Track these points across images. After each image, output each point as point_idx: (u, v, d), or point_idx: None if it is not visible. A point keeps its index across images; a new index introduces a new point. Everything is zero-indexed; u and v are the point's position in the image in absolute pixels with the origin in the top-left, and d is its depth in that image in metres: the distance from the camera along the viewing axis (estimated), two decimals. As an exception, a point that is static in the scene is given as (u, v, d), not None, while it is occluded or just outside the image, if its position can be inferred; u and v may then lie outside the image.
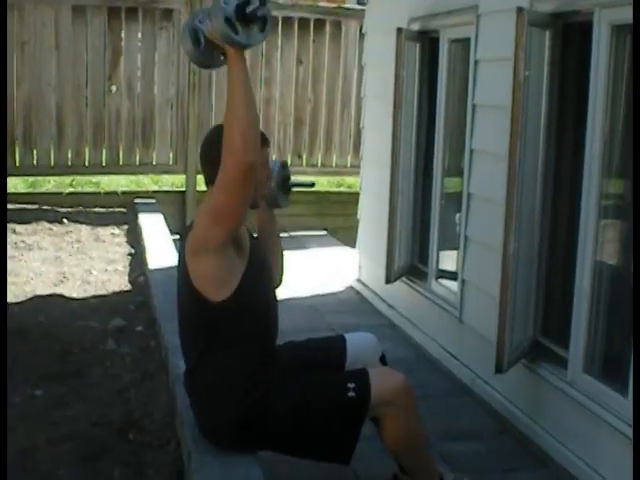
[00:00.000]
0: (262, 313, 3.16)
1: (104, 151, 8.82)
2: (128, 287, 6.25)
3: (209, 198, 2.94)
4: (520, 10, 3.75)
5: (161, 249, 6.62)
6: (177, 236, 3.15)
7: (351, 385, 3.06)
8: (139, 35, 8.84)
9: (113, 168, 8.91)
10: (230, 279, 3.00)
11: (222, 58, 2.98)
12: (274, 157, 8.89)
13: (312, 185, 3.80)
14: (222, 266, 2.97)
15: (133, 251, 7.29)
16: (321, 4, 9.86)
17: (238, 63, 2.81)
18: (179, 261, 3.12)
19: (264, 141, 3.06)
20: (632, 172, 2.90)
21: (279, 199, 3.52)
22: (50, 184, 9.26)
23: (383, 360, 3.50)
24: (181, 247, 3.10)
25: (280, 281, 3.55)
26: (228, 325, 3.04)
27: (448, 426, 4.19)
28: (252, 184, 2.84)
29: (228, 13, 2.75)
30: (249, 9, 2.76)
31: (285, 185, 3.55)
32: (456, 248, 4.99)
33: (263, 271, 3.23)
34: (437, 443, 3.85)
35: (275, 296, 3.32)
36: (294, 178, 3.67)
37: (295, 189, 3.66)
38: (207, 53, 3.01)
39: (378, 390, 3.06)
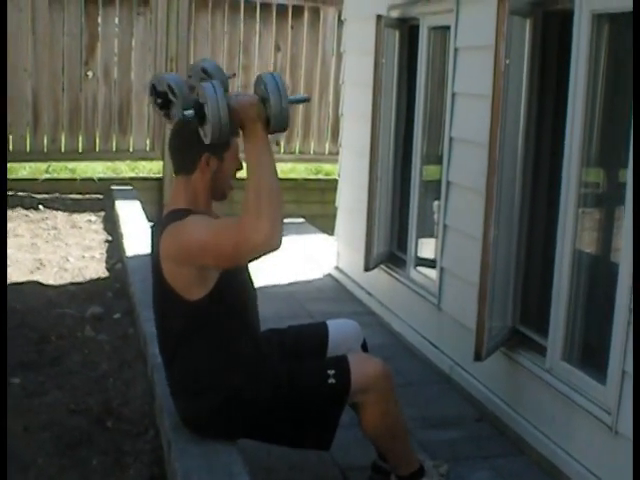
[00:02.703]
0: (240, 308, 3.13)
1: (80, 137, 8.79)
2: (105, 274, 6.22)
3: (215, 224, 2.88)
4: (501, -2, 3.75)
5: (138, 236, 6.59)
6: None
7: (331, 372, 3.06)
8: (116, 20, 8.79)
9: (89, 154, 8.89)
10: (206, 280, 2.96)
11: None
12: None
13: (308, 100, 3.62)
14: (199, 273, 2.94)
15: (110, 238, 7.26)
16: (299, -9, 9.83)
17: (254, 142, 2.75)
18: (153, 254, 3.08)
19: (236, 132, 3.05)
20: (632, 173, 2.90)
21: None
22: (26, 170, 9.20)
23: (364, 347, 3.50)
24: (155, 239, 3.05)
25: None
26: (204, 321, 3.03)
27: (427, 413, 4.20)
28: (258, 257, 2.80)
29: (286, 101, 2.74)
30: (187, 114, 2.73)
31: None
32: (435, 236, 4.99)
33: (240, 266, 3.20)
34: (416, 431, 3.85)
35: (254, 288, 3.29)
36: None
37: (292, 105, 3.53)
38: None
39: (358, 377, 3.06)
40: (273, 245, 2.69)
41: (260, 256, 2.75)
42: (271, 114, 2.78)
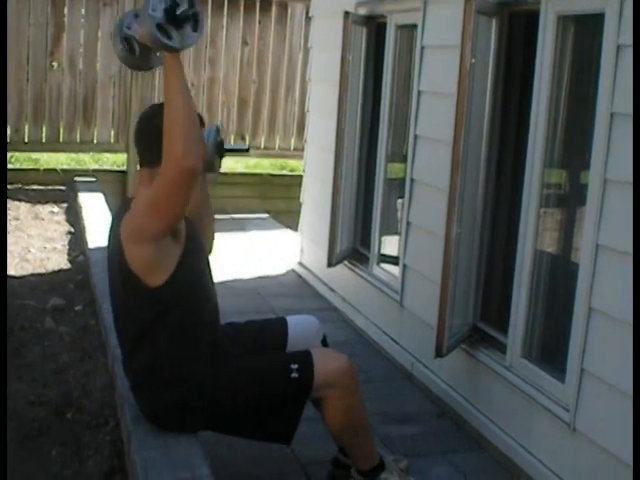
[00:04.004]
0: (200, 297, 3.13)
1: (44, 128, 8.69)
2: (67, 266, 6.18)
3: (150, 189, 2.87)
4: (467, -2, 3.77)
5: (101, 228, 6.53)
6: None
7: (294, 366, 3.07)
8: (82, 11, 8.71)
9: (53, 145, 8.81)
10: (166, 264, 2.97)
11: (158, 55, 2.95)
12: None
13: (247, 150, 3.73)
14: (158, 252, 2.93)
15: (72, 230, 7.21)
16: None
17: (175, 66, 2.77)
18: (111, 241, 3.08)
19: (199, 122, 3.06)
20: (633, 171, 2.93)
21: (214, 163, 3.37)
22: (-12, 160, 9.11)
23: (324, 342, 3.51)
24: (115, 227, 3.05)
25: (211, 249, 3.49)
26: (165, 309, 3.02)
27: (388, 409, 4.22)
28: (193, 187, 2.81)
29: (158, 20, 2.69)
30: (179, 11, 2.71)
31: (220, 149, 3.44)
32: (398, 233, 5.02)
33: (200, 254, 3.20)
34: (377, 426, 3.87)
35: (212, 279, 3.29)
36: (228, 144, 3.60)
37: (230, 154, 3.59)
38: (143, 57, 2.99)
39: (322, 371, 3.07)
40: (188, 164, 2.72)
41: (187, 182, 2.77)
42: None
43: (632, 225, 2.92)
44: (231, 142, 9.13)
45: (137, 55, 2.98)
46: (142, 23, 2.75)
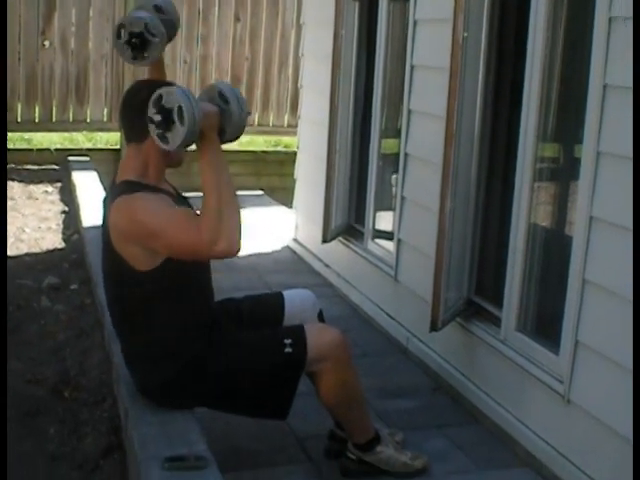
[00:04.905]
0: (193, 278, 3.12)
1: (37, 107, 8.67)
2: (62, 245, 6.19)
3: (165, 221, 2.86)
4: (460, -29, 3.76)
5: (95, 207, 6.49)
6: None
7: (288, 341, 3.08)
8: (74, -11, 8.67)
9: (46, 125, 8.79)
10: (156, 254, 2.95)
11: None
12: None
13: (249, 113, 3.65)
14: (147, 250, 2.94)
15: (67, 209, 7.21)
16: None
17: (205, 154, 2.83)
18: (104, 224, 3.06)
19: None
20: (633, 173, 2.94)
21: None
22: (-20, 140, 9.09)
23: (321, 317, 3.52)
24: (107, 208, 3.04)
25: None
26: (157, 290, 3.02)
27: (383, 384, 4.24)
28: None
29: (154, 132, 2.77)
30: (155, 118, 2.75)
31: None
32: (392, 208, 5.02)
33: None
34: (372, 401, 3.89)
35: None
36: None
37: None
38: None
39: (314, 346, 3.08)
40: (233, 254, 2.80)
41: (200, 258, 2.94)
42: (228, 124, 2.89)
43: (632, 200, 2.92)
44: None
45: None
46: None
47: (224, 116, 2.88)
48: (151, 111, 2.75)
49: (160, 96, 2.74)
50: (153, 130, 2.76)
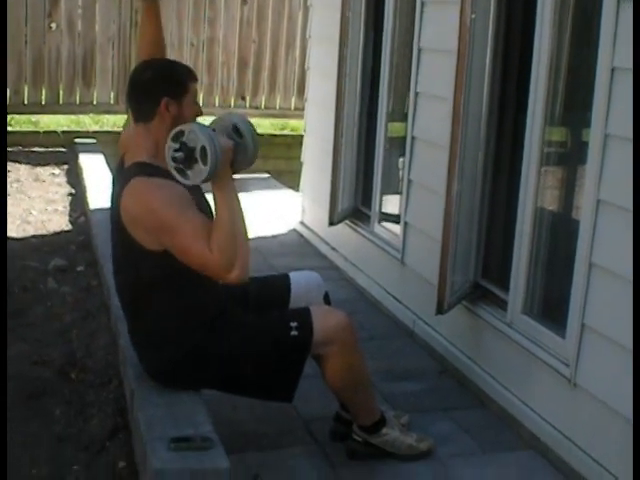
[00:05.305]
0: None
1: (44, 90, 8.67)
2: (69, 227, 6.20)
3: (180, 224, 2.86)
4: (467, -48, 3.73)
5: (102, 189, 6.52)
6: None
7: (293, 324, 3.08)
8: (80, -29, 8.65)
9: (53, 107, 8.79)
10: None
11: None
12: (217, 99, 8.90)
13: None
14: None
15: (73, 191, 7.21)
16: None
17: (218, 192, 2.86)
18: (113, 204, 3.06)
19: (193, 77, 3.08)
20: (633, 172, 2.92)
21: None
22: (-13, 123, 9.09)
23: (327, 299, 3.52)
24: (117, 190, 3.03)
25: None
26: (166, 270, 3.00)
27: (389, 367, 4.24)
28: None
29: (171, 166, 2.77)
30: (176, 155, 2.75)
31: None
32: (399, 191, 5.01)
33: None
34: (379, 383, 3.89)
35: None
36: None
37: None
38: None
39: (320, 328, 3.08)
40: (240, 282, 2.88)
41: (210, 275, 2.93)
42: (241, 157, 2.94)
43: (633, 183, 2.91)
44: (231, 102, 9.13)
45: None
46: None
47: (237, 149, 2.91)
48: (171, 146, 2.75)
49: (181, 132, 2.75)
50: (171, 163, 2.77)
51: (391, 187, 5.28)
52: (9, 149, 8.17)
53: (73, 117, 9.26)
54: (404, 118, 4.92)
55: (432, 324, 4.46)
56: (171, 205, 2.87)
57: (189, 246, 2.84)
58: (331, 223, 5.62)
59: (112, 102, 8.90)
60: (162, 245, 2.91)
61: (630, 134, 2.94)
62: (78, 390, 3.65)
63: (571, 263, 3.35)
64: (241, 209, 2.89)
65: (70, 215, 6.49)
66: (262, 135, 9.10)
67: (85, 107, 8.91)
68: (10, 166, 7.82)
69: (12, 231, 5.92)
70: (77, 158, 8.01)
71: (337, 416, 3.47)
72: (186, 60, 8.74)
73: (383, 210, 5.34)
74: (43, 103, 8.71)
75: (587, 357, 3.26)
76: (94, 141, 8.62)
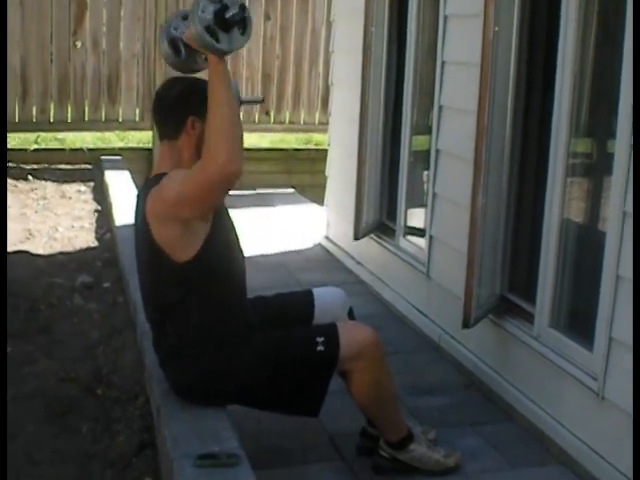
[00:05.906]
0: (227, 272, 3.12)
1: (69, 107, 8.74)
2: (95, 244, 6.22)
3: (183, 176, 2.86)
4: (490, -35, 3.73)
5: (128, 206, 6.54)
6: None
7: (320, 339, 3.07)
8: (104, -10, 8.72)
9: (78, 124, 8.85)
10: (193, 241, 2.96)
11: (204, 59, 2.90)
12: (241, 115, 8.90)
13: (262, 101, 3.64)
14: (184, 231, 2.93)
15: (99, 208, 7.25)
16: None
17: (220, 70, 2.77)
18: (137, 219, 3.07)
19: None
20: (633, 172, 2.90)
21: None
22: (15, 141, 9.14)
23: (351, 314, 3.51)
24: (141, 203, 3.04)
25: None
26: (193, 284, 3.02)
27: (416, 381, 4.22)
28: (229, 189, 2.81)
29: (207, 22, 2.67)
30: (228, 14, 2.68)
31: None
32: (424, 205, 5.00)
33: (228, 229, 3.19)
34: (405, 398, 3.88)
35: (242, 252, 3.28)
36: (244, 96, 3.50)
37: (246, 106, 3.53)
38: (189, 59, 2.96)
39: (347, 344, 3.07)
40: (232, 169, 2.72)
41: (227, 186, 2.78)
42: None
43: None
44: (255, 117, 9.14)
45: (182, 57, 2.96)
46: (191, 24, 2.71)
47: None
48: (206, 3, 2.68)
49: None
50: (207, 17, 2.66)
51: (416, 200, 5.26)
52: (36, 166, 8.26)
53: (99, 134, 9.33)
54: (428, 131, 4.91)
55: (458, 338, 4.44)
56: (176, 180, 2.88)
57: (190, 187, 2.82)
58: (356, 238, 5.62)
59: (137, 119, 8.95)
60: (188, 222, 2.90)
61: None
62: (105, 406, 3.65)
63: (598, 275, 3.32)
64: (227, 101, 2.76)
65: (96, 232, 6.52)
66: (286, 150, 9.28)
67: (110, 124, 8.96)
68: (37, 183, 7.89)
69: (39, 248, 5.96)
70: (103, 175, 8.06)
71: (363, 431, 3.45)
72: (210, 76, 8.78)
73: (408, 224, 5.32)
74: (69, 120, 8.78)
75: (615, 371, 3.23)
76: (119, 158, 8.68)
